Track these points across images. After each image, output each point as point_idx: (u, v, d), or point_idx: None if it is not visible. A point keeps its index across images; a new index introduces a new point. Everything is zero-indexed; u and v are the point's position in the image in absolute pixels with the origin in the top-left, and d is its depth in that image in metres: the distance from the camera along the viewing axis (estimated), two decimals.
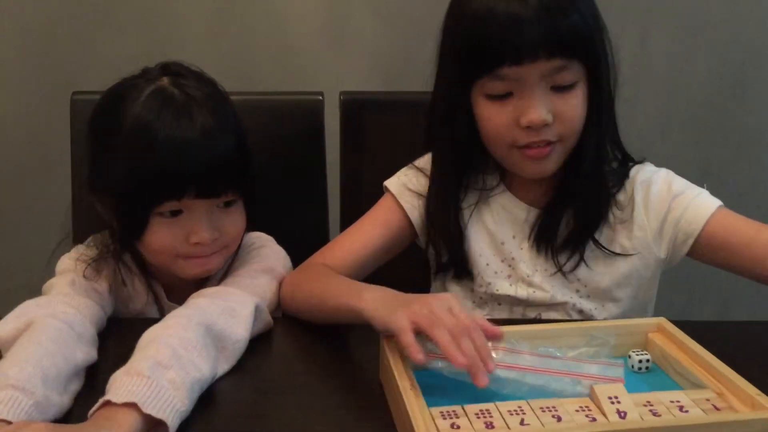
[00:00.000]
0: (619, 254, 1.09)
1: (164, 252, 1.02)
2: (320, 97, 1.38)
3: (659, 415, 0.76)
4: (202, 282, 1.08)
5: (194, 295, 0.98)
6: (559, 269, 1.10)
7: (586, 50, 1.01)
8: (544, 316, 1.12)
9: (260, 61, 1.79)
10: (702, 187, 1.11)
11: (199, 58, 1.76)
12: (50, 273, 1.07)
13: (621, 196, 1.11)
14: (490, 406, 0.77)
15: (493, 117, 1.03)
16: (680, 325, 0.92)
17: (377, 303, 0.88)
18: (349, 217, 1.37)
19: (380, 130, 1.39)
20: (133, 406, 0.75)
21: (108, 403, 0.76)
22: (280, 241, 1.17)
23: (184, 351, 0.83)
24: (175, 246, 1.02)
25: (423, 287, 1.23)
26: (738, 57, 1.86)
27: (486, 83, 1.01)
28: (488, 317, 1.11)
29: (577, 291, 1.11)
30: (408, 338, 0.81)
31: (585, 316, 1.11)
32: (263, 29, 1.78)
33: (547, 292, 1.11)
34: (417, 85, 1.23)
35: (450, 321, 0.81)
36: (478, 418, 0.75)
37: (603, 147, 1.08)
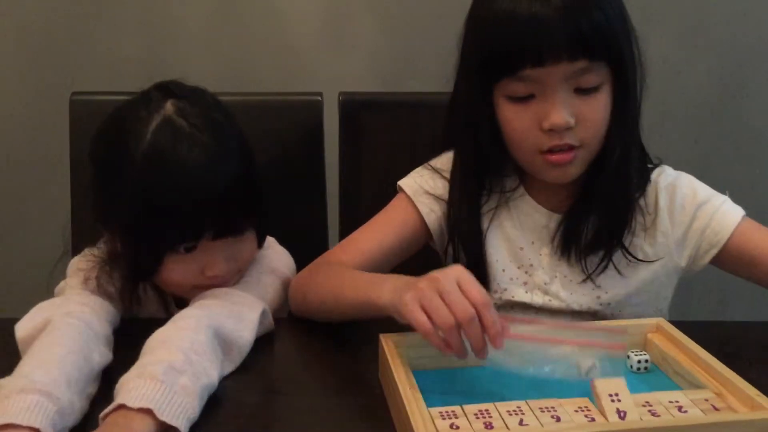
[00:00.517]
0: (642, 261, 1.07)
1: (179, 285, 1.02)
2: (319, 98, 1.38)
3: (658, 416, 0.76)
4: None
5: (204, 294, 0.97)
6: (588, 276, 1.07)
7: (611, 51, 0.98)
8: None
9: (259, 61, 1.79)
10: (725, 194, 1.10)
11: (198, 58, 1.78)
12: (54, 275, 1.05)
13: (643, 201, 1.08)
14: (489, 406, 0.77)
15: (515, 119, 1.00)
16: (679, 325, 0.92)
17: (391, 291, 0.86)
18: (348, 217, 1.38)
19: (379, 131, 1.39)
20: (148, 411, 0.74)
21: (122, 407, 0.75)
22: (280, 241, 1.17)
23: (195, 356, 0.83)
24: (190, 280, 1.00)
25: None
26: (736, 58, 1.86)
27: (508, 85, 0.99)
28: None
29: (598, 297, 1.08)
30: (419, 318, 0.79)
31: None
32: (262, 29, 1.78)
33: (563, 301, 1.09)
34: (416, 86, 1.24)
35: (458, 304, 0.79)
36: (477, 418, 0.75)
37: (628, 152, 1.04)
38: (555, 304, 1.09)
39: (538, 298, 1.09)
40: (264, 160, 1.09)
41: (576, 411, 0.77)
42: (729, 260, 1.07)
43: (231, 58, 0.97)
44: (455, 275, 0.81)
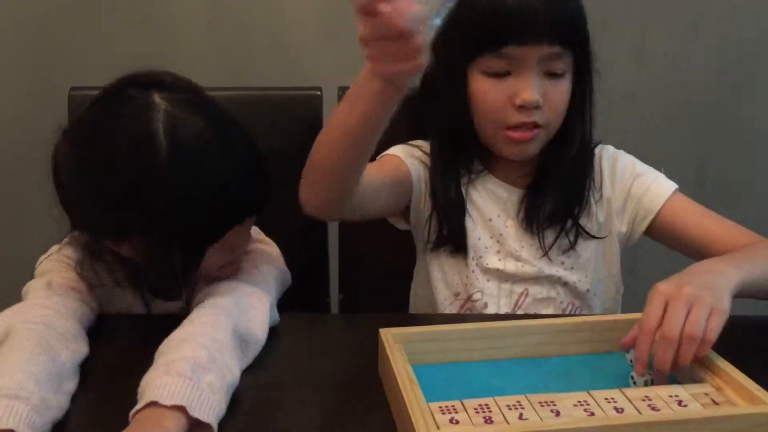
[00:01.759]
0: (596, 237, 1.16)
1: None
2: (319, 92, 1.38)
3: (658, 410, 0.76)
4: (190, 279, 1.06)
5: (212, 290, 0.96)
6: (546, 252, 1.15)
7: (579, 41, 1.09)
8: (531, 290, 1.16)
9: (258, 56, 1.79)
10: (660, 171, 1.19)
11: (196, 53, 1.77)
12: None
13: (592, 176, 1.17)
14: (488, 400, 0.77)
15: (489, 93, 1.08)
16: None
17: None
18: None
19: None
20: (180, 408, 0.74)
21: (152, 404, 0.74)
22: (278, 237, 1.17)
23: (218, 353, 0.82)
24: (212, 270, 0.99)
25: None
26: (735, 53, 1.86)
27: (487, 61, 1.07)
28: (480, 300, 1.16)
29: (562, 263, 1.16)
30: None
31: (570, 288, 1.16)
32: (261, 24, 1.77)
33: (534, 266, 1.15)
34: (414, 80, 1.24)
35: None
36: (477, 412, 0.75)
37: (584, 136, 1.14)
38: (527, 269, 1.15)
39: (510, 265, 1.16)
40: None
41: (575, 405, 0.77)
42: (662, 229, 1.15)
43: (230, 53, 0.96)
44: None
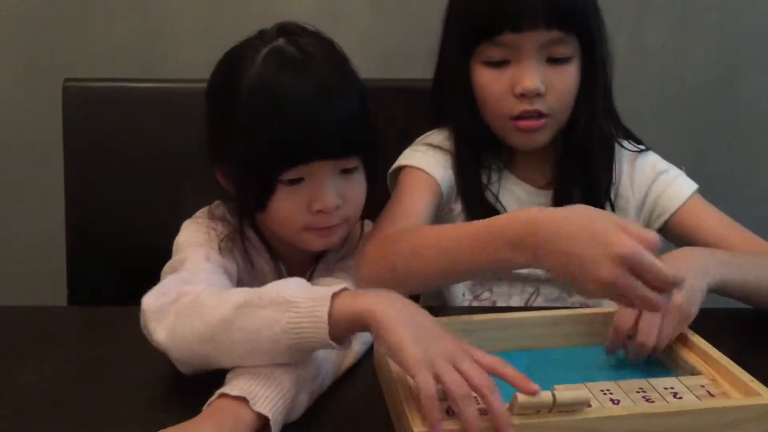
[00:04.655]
0: None
1: (288, 222, 0.97)
2: None
3: (653, 402, 0.76)
4: (321, 255, 1.05)
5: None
6: None
7: (582, 25, 1.05)
8: (543, 290, 1.13)
9: None
10: (680, 169, 1.16)
11: (191, 43, 1.76)
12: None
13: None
14: None
15: (490, 84, 1.06)
16: None
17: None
18: None
19: (375, 117, 1.37)
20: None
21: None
22: None
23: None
24: (298, 215, 0.96)
25: None
26: (733, 44, 1.85)
27: (485, 50, 1.06)
28: (489, 299, 1.14)
29: None
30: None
31: None
32: (256, 14, 1.76)
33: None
34: (413, 72, 1.23)
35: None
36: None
37: (594, 124, 1.10)
38: (539, 271, 1.11)
39: None
40: None
41: None
42: (677, 229, 1.12)
43: (226, 43, 0.96)
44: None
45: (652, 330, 0.83)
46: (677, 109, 1.89)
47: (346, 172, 0.97)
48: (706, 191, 1.12)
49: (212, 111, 1.00)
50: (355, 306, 0.74)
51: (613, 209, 1.13)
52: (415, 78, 1.24)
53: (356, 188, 0.98)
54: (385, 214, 1.05)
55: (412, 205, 1.06)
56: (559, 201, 1.11)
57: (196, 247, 0.96)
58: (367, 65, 1.01)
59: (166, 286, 0.86)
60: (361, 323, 0.74)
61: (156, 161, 1.33)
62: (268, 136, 0.92)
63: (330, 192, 0.94)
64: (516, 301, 1.14)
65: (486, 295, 1.14)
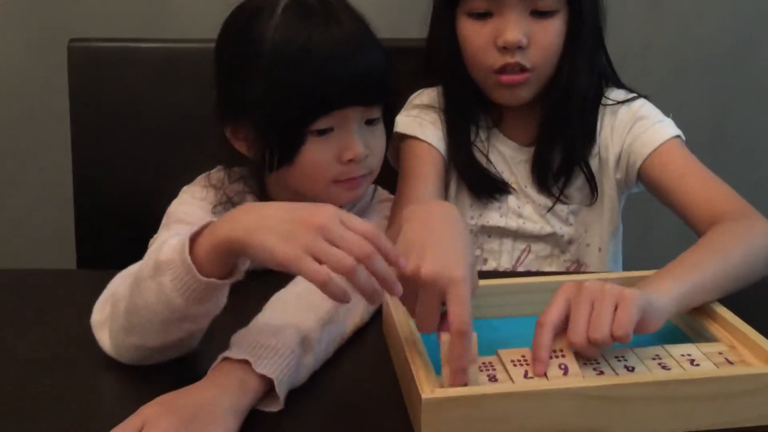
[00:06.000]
0: (596, 187, 1.12)
1: (318, 175, 0.97)
2: None
3: (669, 369, 0.74)
4: None
5: None
6: (549, 207, 1.12)
7: None
8: (534, 247, 1.14)
9: None
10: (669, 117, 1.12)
11: (197, 4, 1.73)
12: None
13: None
14: (492, 358, 0.75)
15: (473, 36, 1.06)
16: None
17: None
18: None
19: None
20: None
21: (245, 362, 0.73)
22: None
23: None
24: (328, 166, 0.96)
25: None
26: (751, 9, 1.81)
27: (469, 1, 1.05)
28: (480, 256, 1.15)
29: (566, 220, 1.14)
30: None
31: (574, 246, 1.15)
32: None
33: (536, 223, 1.13)
34: (413, 32, 1.21)
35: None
36: (482, 371, 0.73)
37: (575, 81, 1.07)
38: (529, 226, 1.13)
39: (512, 222, 1.13)
40: None
41: (585, 364, 0.74)
42: (647, 179, 1.08)
43: (234, 3, 0.94)
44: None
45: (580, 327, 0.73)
46: (695, 74, 1.85)
47: (369, 123, 0.98)
48: (726, 154, 1.08)
49: (227, 65, 0.99)
50: (213, 239, 0.71)
51: (595, 166, 1.12)
52: (414, 38, 1.22)
53: (379, 139, 1.00)
54: (399, 198, 1.07)
55: (421, 185, 1.08)
56: (538, 158, 1.12)
57: (175, 225, 0.96)
58: (376, 25, 1.00)
59: (105, 293, 0.84)
60: (227, 251, 0.70)
61: (162, 121, 1.32)
62: (299, 86, 0.92)
63: (359, 141, 0.96)
64: (506, 259, 1.14)
65: (477, 252, 1.15)
